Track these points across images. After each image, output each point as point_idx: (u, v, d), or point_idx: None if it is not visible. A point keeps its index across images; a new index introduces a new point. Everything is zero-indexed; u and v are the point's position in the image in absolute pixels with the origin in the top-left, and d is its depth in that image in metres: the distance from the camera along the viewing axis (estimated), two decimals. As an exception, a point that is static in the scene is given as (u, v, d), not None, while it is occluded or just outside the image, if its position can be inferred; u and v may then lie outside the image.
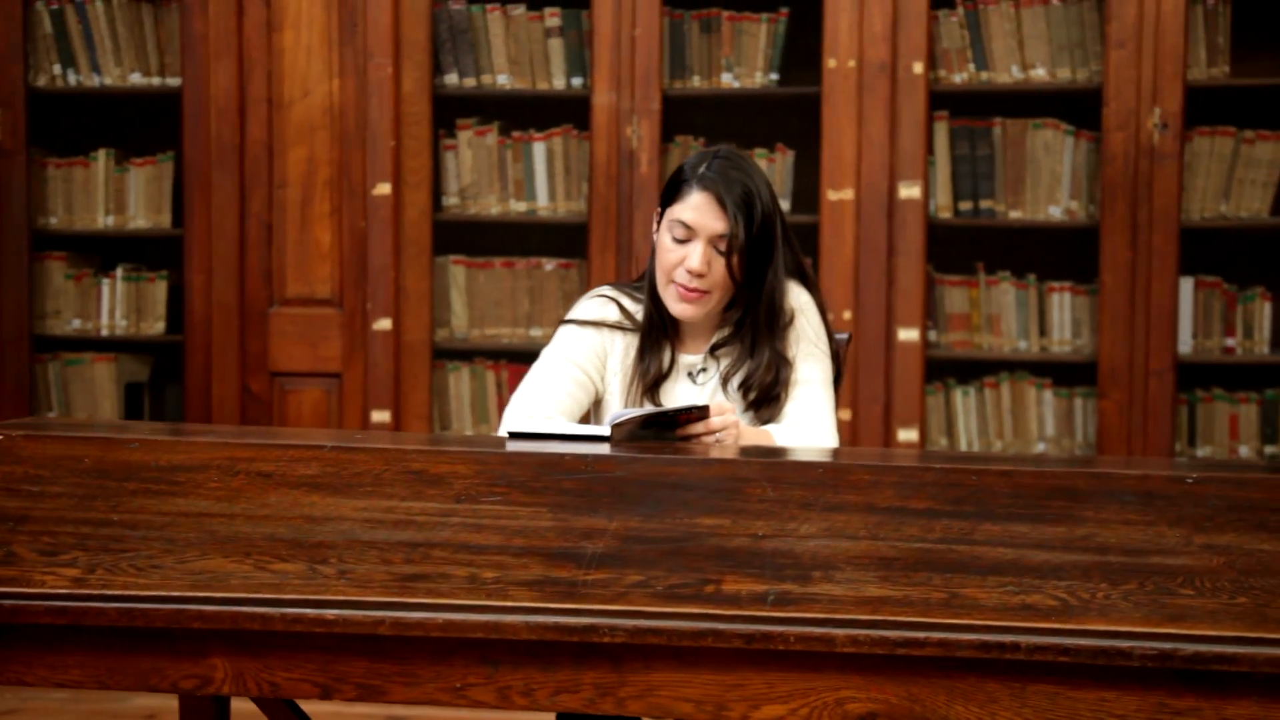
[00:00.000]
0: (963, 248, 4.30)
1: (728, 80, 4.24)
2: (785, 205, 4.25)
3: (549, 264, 4.31)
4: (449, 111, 4.32)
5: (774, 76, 4.24)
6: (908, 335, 4.13)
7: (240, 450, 1.89)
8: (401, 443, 1.95)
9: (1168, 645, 1.46)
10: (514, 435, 2.08)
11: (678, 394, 2.44)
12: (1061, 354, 4.21)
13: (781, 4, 4.22)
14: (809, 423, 2.35)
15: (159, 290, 4.43)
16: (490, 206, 4.32)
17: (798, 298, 2.43)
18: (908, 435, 4.13)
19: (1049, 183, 4.18)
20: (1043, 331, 4.22)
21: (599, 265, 4.19)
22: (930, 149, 4.17)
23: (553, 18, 4.27)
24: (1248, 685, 1.46)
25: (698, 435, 2.17)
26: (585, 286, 4.20)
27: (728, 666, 1.52)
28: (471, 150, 4.31)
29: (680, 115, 4.29)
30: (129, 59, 4.39)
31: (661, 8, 4.17)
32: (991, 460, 2.00)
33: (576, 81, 4.26)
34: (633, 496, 1.77)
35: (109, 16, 4.37)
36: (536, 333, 4.27)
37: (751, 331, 2.40)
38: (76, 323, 4.45)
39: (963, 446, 4.24)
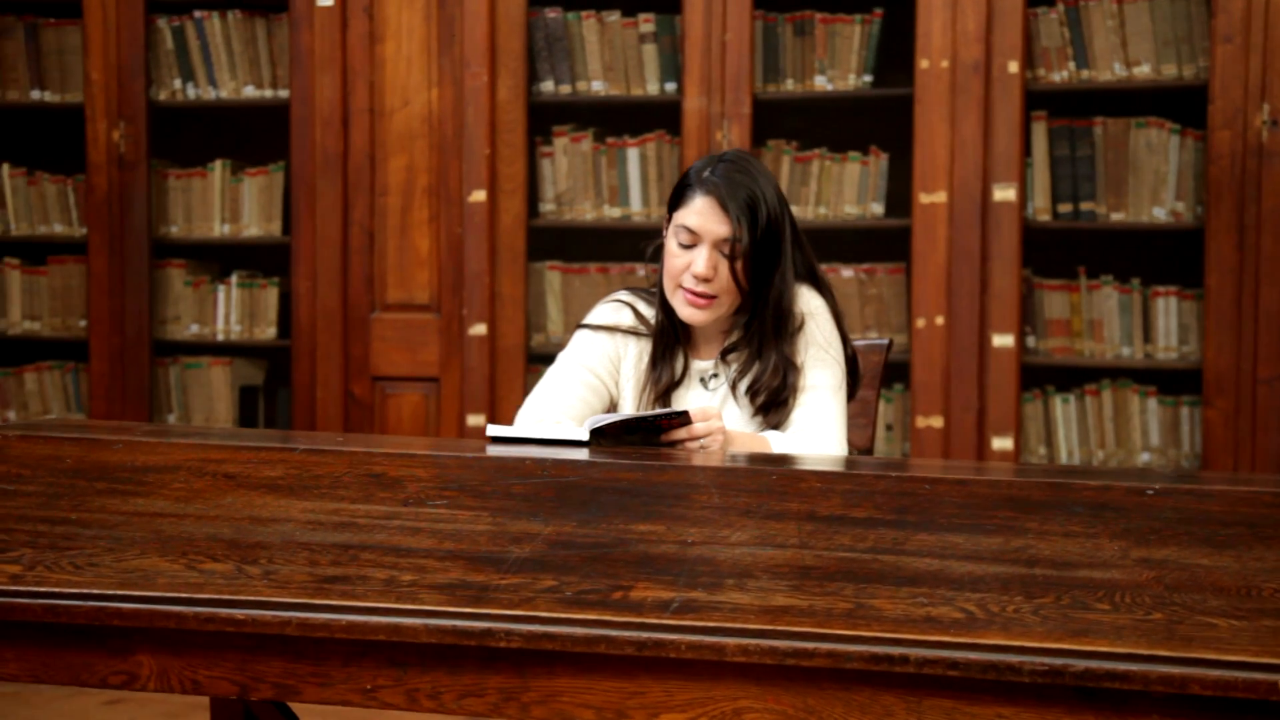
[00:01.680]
0: (1062, 251, 4.19)
1: (821, 83, 4.21)
2: (878, 209, 4.20)
3: (642, 269, 4.33)
4: (545, 118, 4.37)
5: (867, 78, 4.19)
6: (1002, 341, 4.04)
7: (215, 452, 1.95)
8: (381, 446, 1.99)
9: (1059, 661, 1.41)
10: (495, 439, 2.10)
11: (689, 400, 2.44)
12: (1167, 361, 4.08)
13: (876, 5, 4.17)
14: (815, 429, 2.33)
15: (271, 296, 4.57)
16: (585, 212, 4.36)
17: (808, 302, 2.41)
18: (1002, 444, 4.05)
19: (1153, 183, 4.05)
20: (1147, 337, 4.09)
21: (690, 270, 4.18)
22: (1028, 150, 4.08)
23: (646, 24, 4.29)
24: (1148, 703, 1.41)
25: (681, 441, 2.17)
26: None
27: (628, 674, 1.52)
28: (567, 157, 4.35)
29: (772, 119, 4.27)
30: (243, 72, 4.54)
31: (753, 11, 4.15)
32: (957, 470, 1.96)
33: (670, 87, 4.27)
34: (577, 501, 1.78)
35: (225, 32, 4.53)
36: (630, 338, 4.29)
37: (759, 336, 2.38)
38: (194, 328, 4.62)
39: (1062, 456, 4.13)
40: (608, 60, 4.32)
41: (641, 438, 2.18)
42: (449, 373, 4.32)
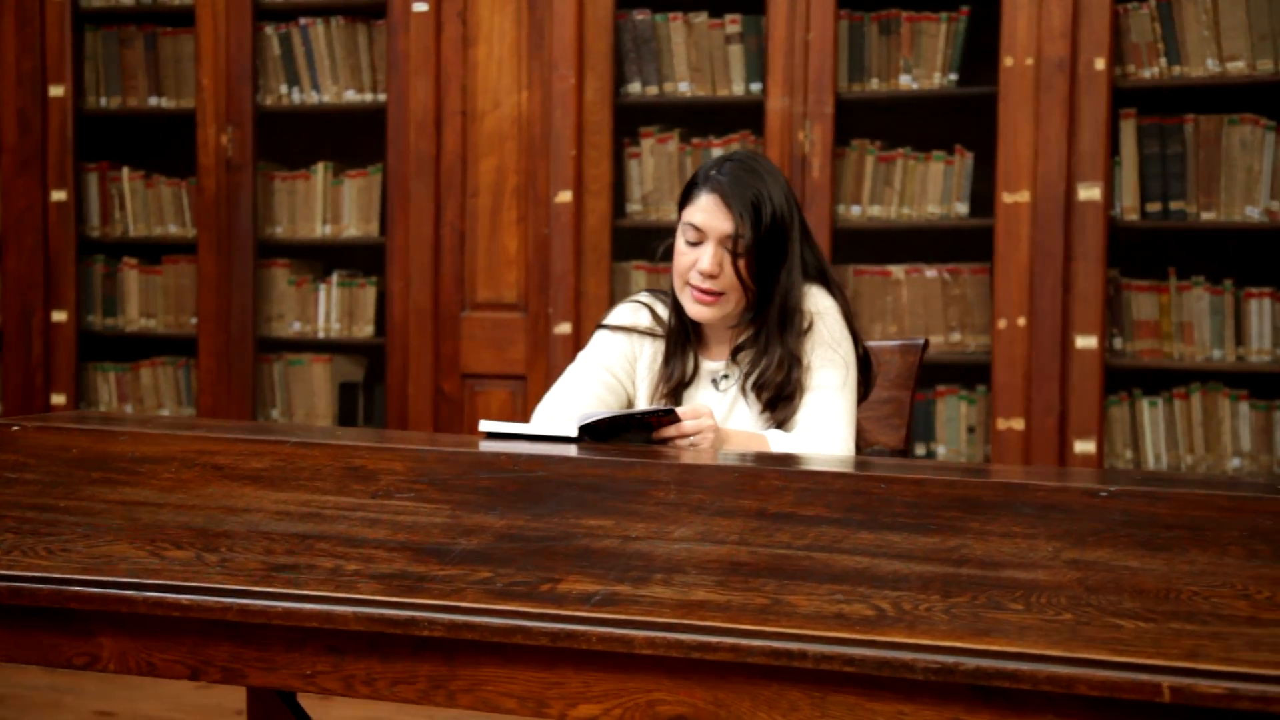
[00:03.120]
0: (1151, 252, 4.10)
1: (906, 82, 4.18)
2: (962, 209, 4.16)
3: (727, 269, 4.34)
4: (632, 119, 4.42)
5: (953, 77, 4.15)
6: (1085, 343, 3.97)
7: (212, 445, 2.04)
8: (365, 440, 2.06)
9: (951, 659, 1.40)
10: (490, 435, 2.15)
11: (700, 400, 2.46)
12: (1259, 364, 3.97)
13: (962, 2, 4.13)
14: (818, 428, 2.33)
15: (369, 295, 4.69)
16: (670, 213, 4.39)
17: (818, 302, 2.41)
18: (1084, 447, 3.98)
19: (1246, 182, 3.95)
20: (1239, 340, 3.98)
21: (771, 270, 4.19)
22: (1115, 149, 4.00)
23: (732, 24, 4.30)
24: (1042, 703, 1.40)
25: (671, 439, 2.19)
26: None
27: (549, 664, 1.55)
28: (653, 157, 4.39)
29: (857, 119, 4.26)
30: (345, 77, 4.67)
31: (837, 11, 4.14)
32: (918, 469, 1.95)
33: (755, 87, 4.29)
34: (537, 496, 1.82)
35: (328, 38, 4.66)
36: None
37: (766, 333, 2.40)
38: (297, 325, 4.76)
39: (1149, 460, 4.05)
40: (694, 61, 4.34)
41: (636, 435, 2.21)
42: (535, 371, 4.39)
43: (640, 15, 4.35)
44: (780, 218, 2.37)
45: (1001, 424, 4.03)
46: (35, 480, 1.94)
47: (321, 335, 4.74)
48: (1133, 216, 4.02)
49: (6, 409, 4.99)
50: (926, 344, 2.78)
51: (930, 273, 4.19)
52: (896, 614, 1.49)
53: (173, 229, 4.90)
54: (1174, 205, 4.00)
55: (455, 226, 4.47)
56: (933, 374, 4.23)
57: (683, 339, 2.47)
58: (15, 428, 2.11)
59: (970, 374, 4.19)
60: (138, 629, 1.68)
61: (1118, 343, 4.06)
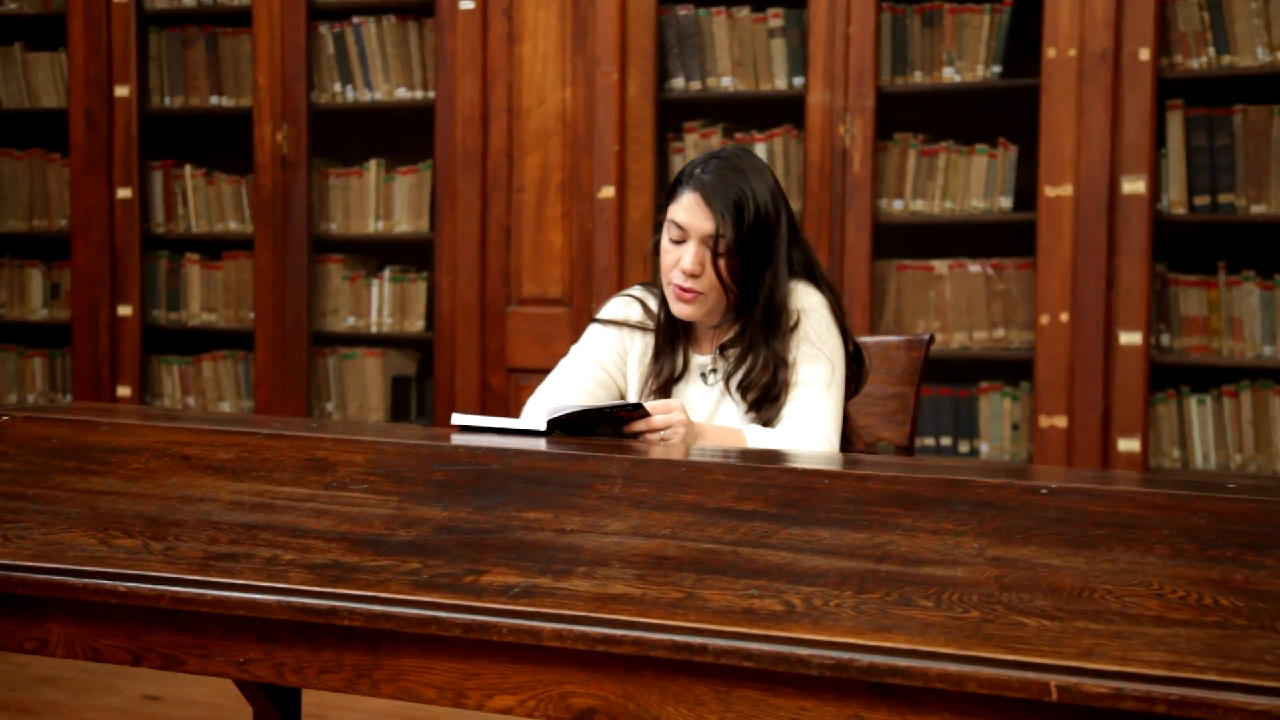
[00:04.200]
0: (1199, 246, 4.02)
1: (949, 74, 4.14)
2: (1005, 203, 4.11)
3: (769, 264, 4.33)
4: (676, 114, 4.42)
5: (996, 69, 4.10)
6: (1130, 339, 3.90)
7: (184, 435, 2.08)
8: (331, 431, 2.09)
9: (846, 656, 1.39)
10: (461, 427, 2.17)
11: (689, 395, 2.46)
12: (1311, 361, 3.87)
13: (1006, -6, 4.08)
14: (801, 424, 2.32)
15: (419, 290, 4.75)
16: (714, 208, 4.38)
17: (805, 299, 2.40)
18: (1128, 446, 3.91)
19: (1297, 174, 3.86)
20: (1290, 336, 3.90)
21: (812, 265, 4.17)
22: (1161, 141, 3.93)
23: (775, 18, 4.29)
24: (938, 701, 1.38)
25: (642, 433, 2.20)
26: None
27: (466, 656, 1.56)
28: (696, 152, 4.38)
29: (900, 112, 4.22)
30: (396, 74, 4.72)
31: (879, 4, 4.11)
32: (869, 466, 1.94)
33: (798, 81, 4.27)
34: (485, 489, 1.83)
35: (380, 36, 4.72)
36: (757, 332, 4.30)
37: (752, 332, 2.39)
38: (351, 320, 4.83)
39: (1197, 459, 3.97)
40: (737, 55, 4.33)
41: (610, 430, 2.22)
42: (579, 365, 4.40)
43: (683, 10, 4.35)
44: (764, 216, 2.36)
45: (1044, 422, 3.98)
46: (11, 469, 1.99)
47: (374, 330, 4.80)
48: (1180, 210, 3.94)
49: (76, 401, 5.12)
50: (932, 339, 2.75)
51: (974, 268, 4.15)
52: (805, 610, 1.48)
53: (233, 225, 4.99)
54: (1223, 198, 3.92)
55: (501, 222, 4.50)
56: (976, 370, 4.19)
57: (672, 334, 2.47)
58: (5, 418, 2.16)
59: (1014, 370, 4.14)
60: (83, 615, 1.72)
61: (1165, 339, 3.99)
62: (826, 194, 4.15)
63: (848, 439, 2.50)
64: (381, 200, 4.78)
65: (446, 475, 1.88)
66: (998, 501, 1.68)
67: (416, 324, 4.75)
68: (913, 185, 4.18)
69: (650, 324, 2.50)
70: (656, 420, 2.18)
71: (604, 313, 2.55)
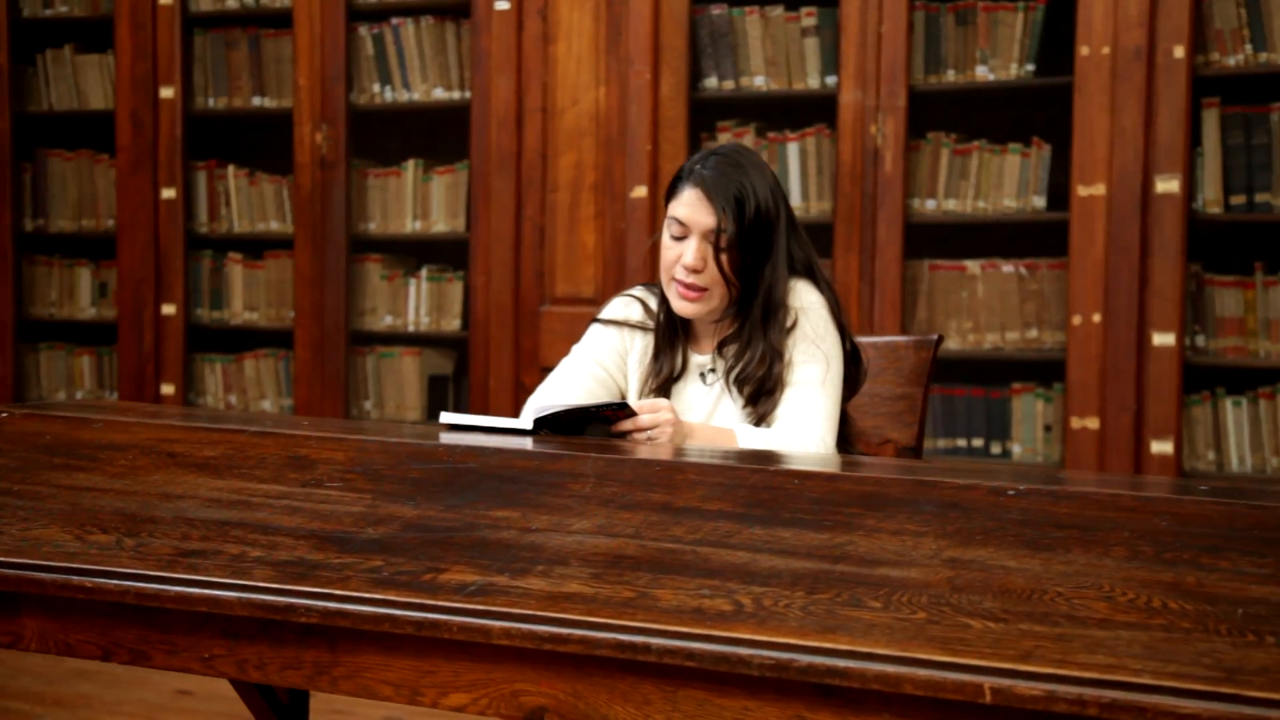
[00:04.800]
0: (1235, 246, 3.96)
1: (982, 73, 4.10)
2: (1039, 202, 4.07)
3: (801, 264, 4.31)
4: (709, 114, 4.41)
5: (1030, 67, 4.06)
6: (1163, 340, 3.85)
7: (172, 432, 2.10)
8: (317, 430, 2.11)
9: (785, 656, 1.38)
10: (450, 426, 2.18)
11: (688, 395, 2.45)
12: (1349, 363, 3.80)
13: (1040, -9, 4.04)
14: (795, 423, 2.31)
15: (456, 290, 4.77)
16: (746, 207, 4.37)
17: (803, 297, 2.39)
18: (1161, 448, 3.85)
19: (1335, 173, 3.79)
20: (1328, 337, 3.83)
21: (843, 266, 4.16)
22: (1196, 139, 3.87)
23: (809, 17, 4.27)
24: (879, 702, 1.36)
25: (629, 432, 2.19)
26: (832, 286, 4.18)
27: (421, 653, 1.57)
28: (730, 152, 4.37)
29: (932, 111, 4.19)
30: (433, 75, 4.75)
31: (910, 3, 4.08)
32: (843, 466, 1.92)
33: (830, 80, 4.25)
34: (459, 487, 1.84)
35: (418, 37, 4.75)
36: (789, 332, 4.28)
37: (749, 327, 2.38)
38: (389, 319, 4.86)
39: (1232, 462, 3.91)
40: (770, 55, 4.32)
41: (599, 429, 2.22)
42: (611, 365, 4.41)
43: (717, 9, 4.35)
44: (764, 212, 2.35)
45: (1076, 423, 3.93)
46: (1, 465, 2.02)
47: (411, 329, 4.83)
48: (1215, 209, 3.89)
49: (121, 398, 5.19)
50: (940, 339, 2.73)
51: (1006, 268, 4.11)
52: (753, 610, 1.47)
53: (274, 225, 5.04)
54: (1259, 197, 3.86)
55: (535, 222, 4.52)
56: (1009, 371, 4.15)
57: (671, 333, 2.47)
58: (4, 414, 2.20)
59: (1047, 371, 4.10)
60: (56, 610, 1.74)
61: (1200, 340, 3.93)
62: (858, 193, 4.13)
63: (848, 439, 2.49)
64: (419, 200, 4.81)
65: (423, 474, 1.89)
66: (963, 503, 1.66)
67: (453, 323, 4.78)
68: (945, 185, 4.15)
69: (650, 324, 2.50)
70: (643, 420, 2.18)
71: (605, 313, 2.56)
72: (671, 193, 2.42)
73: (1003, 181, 4.10)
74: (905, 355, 2.74)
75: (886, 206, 4.10)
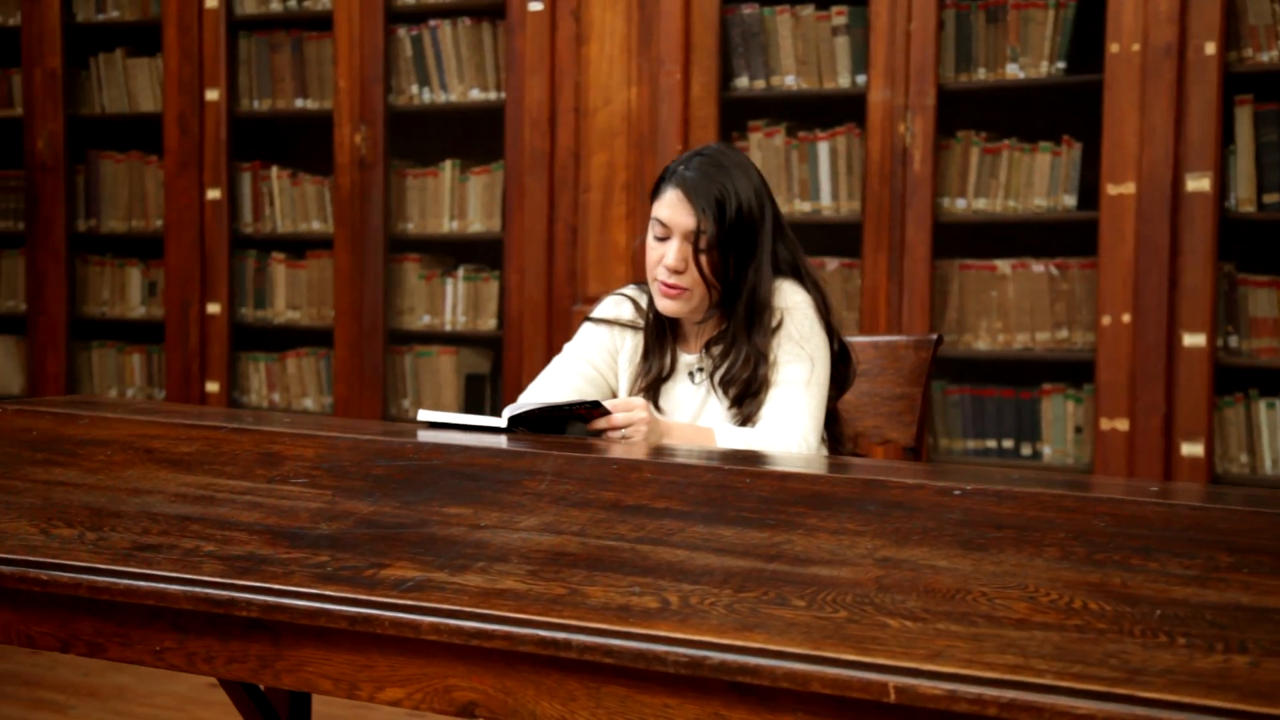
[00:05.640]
0: (1270, 245, 3.89)
1: (1012, 71, 4.07)
2: (1070, 201, 4.02)
3: (831, 263, 4.30)
4: (740, 114, 4.41)
5: (1060, 65, 4.02)
6: (1193, 341, 3.80)
7: (155, 429, 2.14)
8: (294, 426, 2.13)
9: (699, 654, 1.38)
10: (426, 423, 2.20)
11: (676, 394, 2.46)
12: (1385, 364, 3.73)
13: (1071, -12, 4.00)
14: (778, 424, 2.30)
15: (492, 289, 4.80)
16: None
17: (789, 297, 2.38)
18: (1192, 450, 3.80)
19: (1371, 171, 3.71)
20: (1364, 338, 3.75)
21: (871, 265, 4.14)
22: (1229, 137, 3.82)
23: (839, 16, 4.25)
24: (793, 701, 1.36)
25: (603, 431, 2.20)
26: (862, 286, 4.17)
27: (359, 648, 1.58)
28: (761, 151, 4.37)
29: (963, 109, 4.16)
30: (470, 76, 4.78)
31: (940, 2, 4.06)
32: (797, 465, 1.92)
33: (860, 79, 4.23)
34: (419, 484, 1.86)
35: (455, 38, 4.79)
36: (819, 332, 4.26)
37: (734, 328, 2.38)
38: (426, 318, 4.90)
39: (1266, 465, 3.84)
40: (801, 54, 4.31)
41: (578, 428, 2.23)
42: (641, 364, 4.42)
43: (748, 9, 4.34)
44: (747, 213, 2.35)
45: (1105, 424, 3.89)
46: (-15, 459, 2.07)
47: (448, 328, 4.87)
48: (1249, 208, 3.83)
49: (168, 396, 5.28)
50: (940, 339, 2.71)
51: (1037, 267, 4.07)
52: (679, 607, 1.47)
53: (316, 225, 5.10)
54: (1293, 196, 3.79)
55: (568, 221, 4.53)
56: (1039, 372, 4.11)
57: (660, 333, 2.47)
58: (-2, 410, 2.25)
59: (1077, 372, 4.05)
60: (18, 602, 1.77)
61: (1233, 341, 3.87)
62: (887, 193, 4.10)
63: (839, 439, 2.48)
64: (456, 200, 4.85)
65: (386, 471, 1.91)
66: (908, 502, 1.65)
67: (489, 322, 4.81)
68: (975, 183, 4.12)
69: (641, 322, 2.51)
70: (617, 418, 2.18)
71: (597, 311, 2.57)
72: (655, 193, 2.43)
73: (1033, 180, 4.06)
74: (905, 355, 2.72)
75: (915, 206, 4.07)
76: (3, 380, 5.74)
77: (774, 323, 2.36)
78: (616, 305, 2.55)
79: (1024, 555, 1.49)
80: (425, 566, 1.63)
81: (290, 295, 5.16)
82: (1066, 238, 4.07)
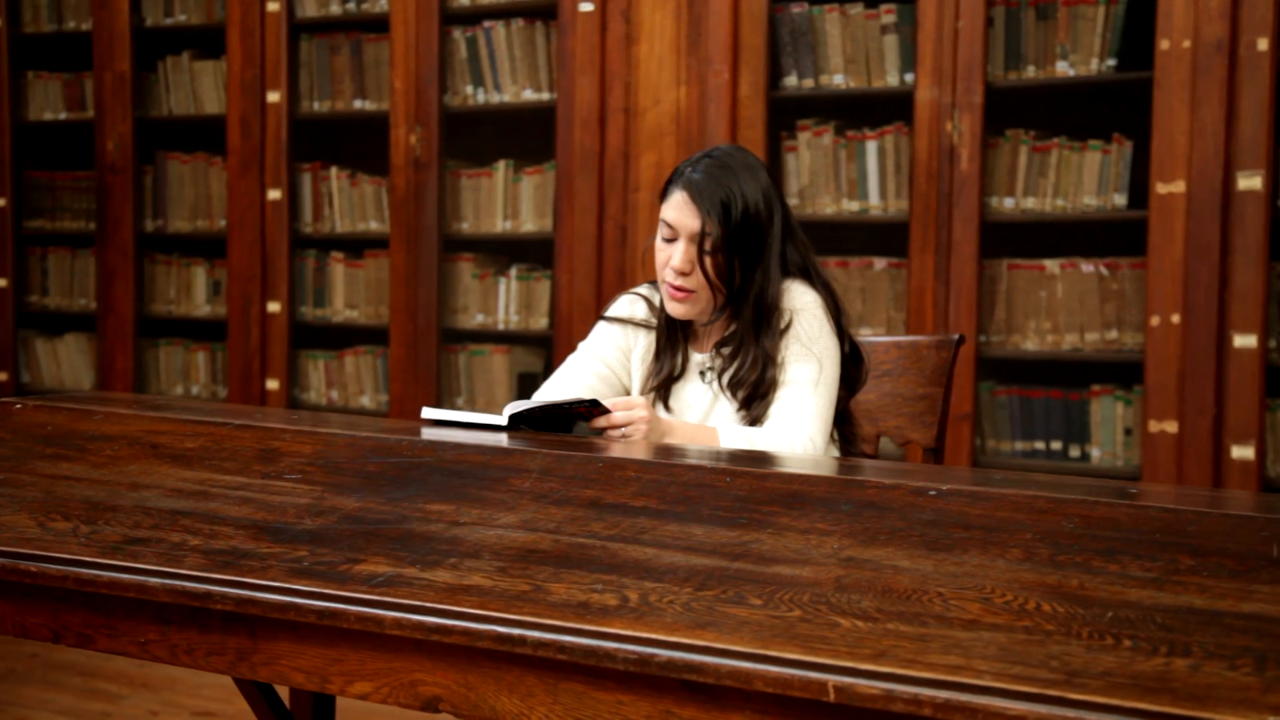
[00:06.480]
0: (1324, 245, 3.81)
1: (1062, 68, 4.02)
2: (1120, 200, 3.97)
3: (879, 263, 4.27)
4: (788, 113, 4.39)
5: (1111, 62, 3.96)
6: (1244, 341, 3.73)
7: (163, 425, 2.17)
8: (296, 423, 2.16)
9: (648, 651, 1.38)
10: (431, 422, 2.22)
11: (688, 393, 2.46)
12: None
13: (1122, -16, 3.94)
14: (784, 424, 2.30)
15: (544, 288, 4.82)
16: (825, 206, 4.35)
17: (799, 298, 2.37)
18: (1242, 453, 3.73)
19: None
20: None
21: (918, 265, 4.11)
22: (1282, 134, 3.74)
23: (888, 14, 4.23)
24: (740, 699, 1.35)
25: (604, 430, 2.20)
26: (909, 286, 4.14)
27: (330, 643, 1.60)
28: (810, 150, 4.35)
29: (1011, 107, 4.12)
30: (523, 76, 4.81)
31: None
32: (782, 465, 1.91)
33: (909, 78, 4.20)
34: (407, 481, 1.88)
35: (508, 39, 4.81)
36: (867, 332, 4.25)
37: (742, 330, 2.38)
38: (480, 317, 4.93)
39: (1319, 468, 3.77)
40: (849, 53, 4.29)
41: (583, 426, 2.24)
42: (689, 364, 4.42)
43: (797, 8, 4.32)
44: (753, 215, 2.34)
45: (1154, 426, 3.83)
46: (-2, 453, 2.12)
47: (501, 327, 4.89)
48: (1302, 207, 3.75)
49: (230, 393, 5.35)
50: (962, 339, 2.69)
51: (1086, 267, 4.01)
52: (637, 605, 1.48)
53: (373, 225, 5.15)
54: (1348, 194, 3.71)
55: (617, 221, 4.54)
56: (1088, 373, 4.06)
57: (672, 333, 2.47)
58: (18, 405, 2.30)
59: (1127, 373, 4.00)
60: (13, 593, 1.81)
61: (1286, 342, 3.80)
62: (934, 192, 4.07)
63: (852, 440, 2.47)
64: (509, 200, 4.88)
65: (378, 468, 1.93)
66: (882, 502, 1.65)
67: (541, 321, 4.83)
68: (1024, 182, 4.07)
69: (654, 322, 2.51)
70: (616, 417, 2.19)
71: (611, 310, 2.57)
72: (663, 195, 2.43)
73: (1082, 179, 4.01)
74: (927, 355, 2.70)
75: (962, 205, 4.03)
76: (74, 377, 5.86)
77: (783, 324, 2.35)
78: (630, 304, 2.55)
79: (987, 556, 1.48)
80: (399, 562, 1.65)
81: (348, 294, 5.21)
82: (1116, 237, 4.01)
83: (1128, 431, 3.97)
